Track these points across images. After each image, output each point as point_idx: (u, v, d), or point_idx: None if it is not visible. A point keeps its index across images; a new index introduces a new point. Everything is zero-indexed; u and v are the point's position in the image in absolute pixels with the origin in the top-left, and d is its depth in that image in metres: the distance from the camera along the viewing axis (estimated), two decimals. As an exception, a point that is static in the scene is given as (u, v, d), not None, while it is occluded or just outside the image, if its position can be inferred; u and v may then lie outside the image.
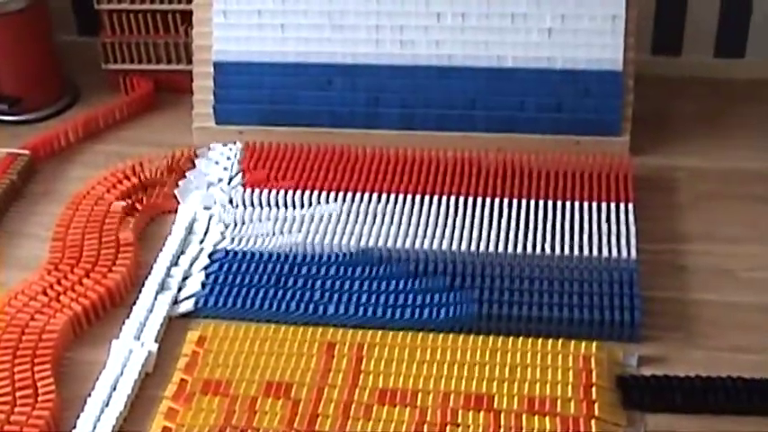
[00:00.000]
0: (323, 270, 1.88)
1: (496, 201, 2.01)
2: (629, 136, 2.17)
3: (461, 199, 2.02)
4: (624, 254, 1.87)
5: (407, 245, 1.91)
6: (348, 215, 2.00)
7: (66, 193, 2.15)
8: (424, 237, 1.93)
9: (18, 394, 1.66)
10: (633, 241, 1.90)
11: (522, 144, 2.17)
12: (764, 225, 2.00)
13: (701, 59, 2.46)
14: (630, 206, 1.99)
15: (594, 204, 2.00)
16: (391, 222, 1.98)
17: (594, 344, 1.70)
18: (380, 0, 2.20)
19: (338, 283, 1.85)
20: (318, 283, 1.86)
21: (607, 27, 2.15)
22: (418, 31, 2.19)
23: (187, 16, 2.34)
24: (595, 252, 1.88)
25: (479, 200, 2.02)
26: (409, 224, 1.97)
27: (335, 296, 1.83)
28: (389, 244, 1.92)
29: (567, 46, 2.16)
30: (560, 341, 1.71)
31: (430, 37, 2.19)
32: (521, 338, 1.72)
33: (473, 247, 1.90)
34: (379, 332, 1.76)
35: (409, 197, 2.03)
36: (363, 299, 1.82)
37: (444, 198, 2.03)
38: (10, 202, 2.16)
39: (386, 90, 2.21)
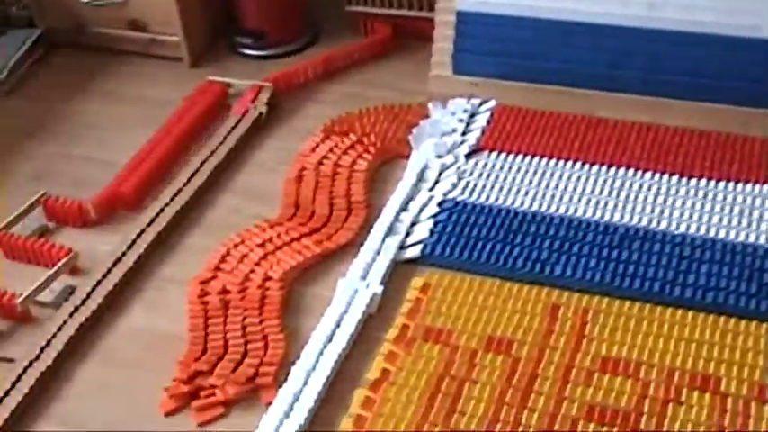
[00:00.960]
0: (552, 230, 1.86)
1: (739, 186, 1.94)
2: None
3: (702, 182, 1.96)
4: None
5: (641, 221, 1.88)
6: (584, 183, 1.98)
7: (304, 129, 2.20)
8: (654, 213, 1.90)
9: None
10: None
11: (766, 120, 2.08)
12: None
13: None
14: None
15: None
16: (626, 197, 1.94)
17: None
18: (633, -40, 2.14)
19: (567, 244, 1.83)
20: (547, 242, 1.84)
21: None
22: (669, -7, 2.12)
23: (436, -37, 2.34)
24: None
25: (721, 184, 1.95)
26: (645, 201, 1.93)
27: (563, 257, 1.81)
28: (624, 218, 1.89)
29: (829, 21, 2.05)
30: (795, 330, 1.65)
31: (679, 1, 2.11)
32: (754, 323, 1.66)
33: (711, 233, 1.84)
34: (606, 299, 1.73)
35: (648, 174, 1.99)
36: (591, 263, 1.79)
37: (684, 180, 1.97)
38: (253, 133, 2.22)
39: (628, 53, 2.15)
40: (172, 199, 2.02)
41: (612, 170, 2.00)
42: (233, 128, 2.20)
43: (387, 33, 2.48)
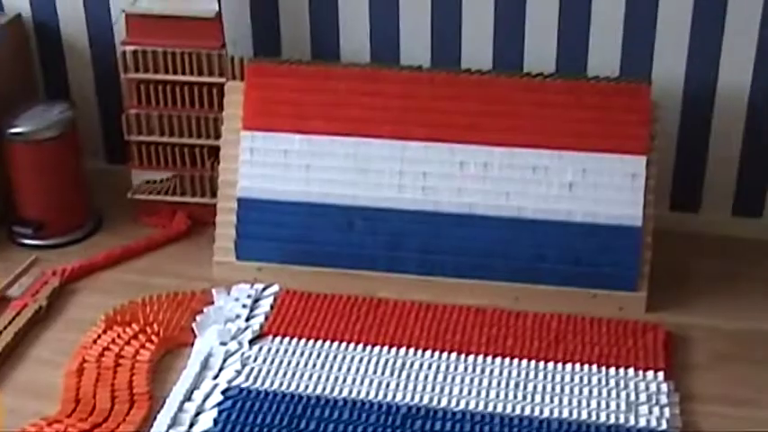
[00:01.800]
0: (336, 413, 1.88)
1: (515, 362, 2.02)
2: (647, 292, 2.19)
3: (480, 358, 2.03)
4: (654, 423, 1.87)
5: (423, 400, 1.92)
6: (367, 365, 2.02)
7: (86, 320, 2.16)
8: (434, 391, 1.94)
9: None
10: (667, 411, 1.90)
11: (539, 295, 2.19)
12: (780, 390, 1.99)
13: (719, 217, 2.48)
14: (661, 374, 1.99)
15: (622, 371, 2.00)
16: (407, 377, 1.99)
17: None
18: (405, 146, 2.24)
19: (351, 427, 1.85)
20: (331, 426, 1.85)
21: (627, 183, 2.18)
22: (441, 178, 2.22)
23: (214, 151, 2.38)
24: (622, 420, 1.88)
25: (498, 360, 2.02)
26: (426, 379, 1.98)
27: (347, 441, 1.82)
28: (406, 398, 1.93)
29: (587, 200, 2.19)
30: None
31: (452, 185, 2.22)
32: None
33: (490, 408, 1.90)
34: (389, 481, 1.75)
35: (428, 353, 2.05)
36: (375, 446, 1.81)
37: (462, 356, 2.04)
38: (32, 326, 2.17)
39: (406, 235, 2.24)
40: (-56, 399, 1.94)
41: (393, 350, 2.05)
42: (10, 322, 2.14)
43: (170, 220, 2.49)
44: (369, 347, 2.06)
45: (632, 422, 1.86)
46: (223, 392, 1.95)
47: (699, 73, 2.34)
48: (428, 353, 2.04)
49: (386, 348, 2.06)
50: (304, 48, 2.46)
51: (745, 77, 2.32)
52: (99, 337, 2.10)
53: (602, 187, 2.19)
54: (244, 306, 2.18)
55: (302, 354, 2.04)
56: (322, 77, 2.28)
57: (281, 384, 1.96)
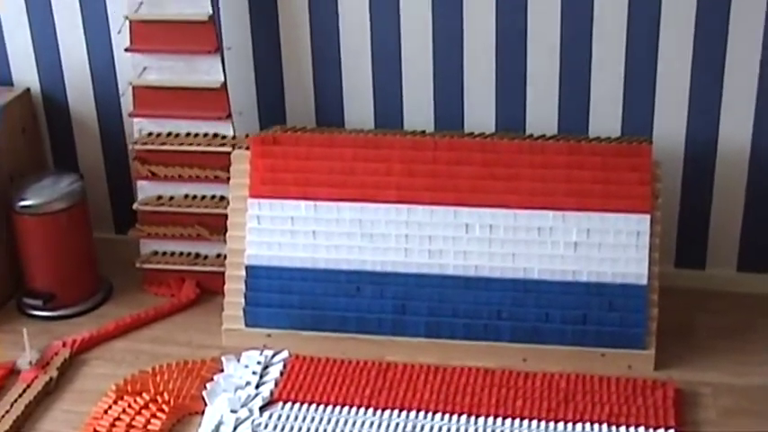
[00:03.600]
0: (347, 481, 1.88)
1: (525, 422, 2.02)
2: (655, 349, 2.19)
3: (490, 420, 2.03)
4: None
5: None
6: (377, 429, 2.02)
7: (96, 391, 2.17)
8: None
9: None
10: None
11: (547, 355, 2.19)
12: (791, 445, 1.99)
13: (725, 273, 2.49)
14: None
15: (633, 429, 2.00)
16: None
17: None
18: (410, 210, 2.26)
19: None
20: (342, 494, 1.86)
21: (631, 242, 2.20)
22: (446, 241, 2.24)
23: (222, 220, 2.40)
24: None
25: (508, 421, 2.03)
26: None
27: None
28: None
29: (592, 259, 2.20)
30: None
31: (458, 247, 2.24)
32: None
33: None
34: None
35: (438, 416, 2.05)
36: None
37: (473, 418, 2.04)
38: (42, 398, 2.18)
39: (413, 298, 2.25)
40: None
41: (404, 414, 2.06)
42: (21, 395, 2.15)
43: (180, 289, 2.51)
44: (379, 412, 2.06)
45: (644, 481, 1.87)
46: (234, 461, 1.95)
47: (700, 130, 2.36)
48: (438, 416, 2.05)
49: (396, 412, 2.06)
50: (309, 115, 2.50)
51: (745, 133, 2.35)
52: (110, 407, 2.11)
53: (606, 246, 2.20)
54: (254, 373, 2.18)
55: (312, 419, 2.05)
56: (327, 144, 2.31)
57: (292, 451, 1.97)
